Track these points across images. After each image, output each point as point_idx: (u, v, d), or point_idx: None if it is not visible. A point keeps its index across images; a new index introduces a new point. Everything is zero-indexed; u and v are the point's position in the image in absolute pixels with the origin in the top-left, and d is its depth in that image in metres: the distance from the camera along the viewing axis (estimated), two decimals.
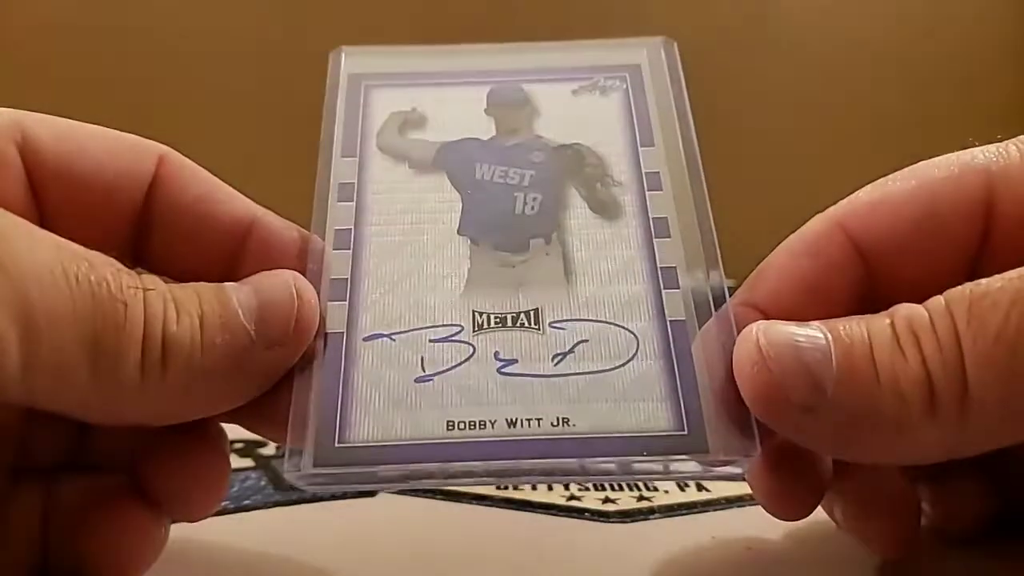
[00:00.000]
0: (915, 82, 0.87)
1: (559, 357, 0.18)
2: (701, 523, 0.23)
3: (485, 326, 0.19)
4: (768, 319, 0.17)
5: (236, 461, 0.27)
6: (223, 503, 0.21)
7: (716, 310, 0.19)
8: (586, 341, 0.18)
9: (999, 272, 0.16)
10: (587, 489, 0.24)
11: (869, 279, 0.18)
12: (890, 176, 0.19)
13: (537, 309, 0.19)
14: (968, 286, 0.16)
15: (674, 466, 0.17)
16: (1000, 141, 0.19)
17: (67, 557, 0.18)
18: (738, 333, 0.17)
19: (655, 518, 0.23)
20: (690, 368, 0.18)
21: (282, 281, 0.18)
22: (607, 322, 0.19)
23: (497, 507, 0.24)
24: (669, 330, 0.18)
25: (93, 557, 0.18)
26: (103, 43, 0.89)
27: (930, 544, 0.21)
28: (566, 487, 0.24)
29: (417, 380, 0.18)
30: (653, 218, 0.20)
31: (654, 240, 0.20)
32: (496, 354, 0.18)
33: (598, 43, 0.24)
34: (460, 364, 0.18)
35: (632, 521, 0.23)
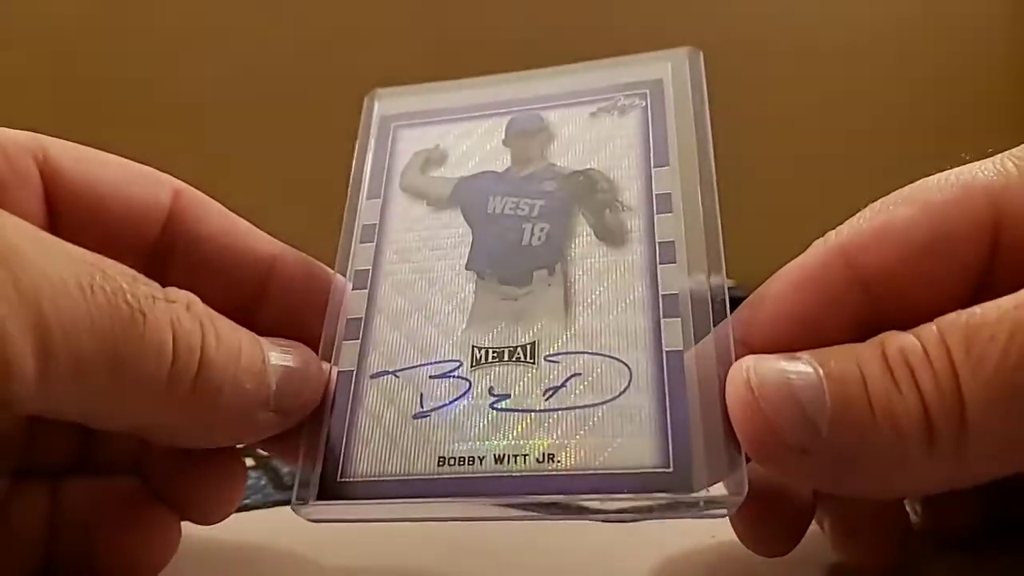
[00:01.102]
0: (928, 90, 0.81)
1: (551, 392, 0.18)
2: (701, 522, 0.22)
3: (483, 361, 0.19)
4: (755, 350, 0.17)
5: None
6: None
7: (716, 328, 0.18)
8: (579, 375, 0.18)
9: (1003, 294, 0.15)
10: None
11: (869, 307, 0.17)
12: (890, 199, 0.18)
13: (534, 343, 0.19)
14: (962, 315, 0.15)
15: (657, 507, 0.17)
16: (992, 155, 0.17)
17: (74, 559, 0.18)
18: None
19: (654, 516, 0.22)
20: (682, 402, 0.17)
21: (306, 358, 0.19)
22: (601, 354, 0.19)
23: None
24: (664, 361, 0.18)
25: (107, 558, 0.18)
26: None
27: (924, 549, 0.20)
28: None
29: (415, 416, 0.19)
30: (659, 243, 0.20)
31: (658, 266, 0.19)
32: (491, 389, 0.19)
33: (621, 60, 0.23)
34: (455, 400, 0.19)
35: (631, 520, 0.22)
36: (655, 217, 0.20)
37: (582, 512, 0.17)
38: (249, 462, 0.27)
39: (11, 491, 0.19)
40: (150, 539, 0.19)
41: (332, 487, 0.18)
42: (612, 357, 0.18)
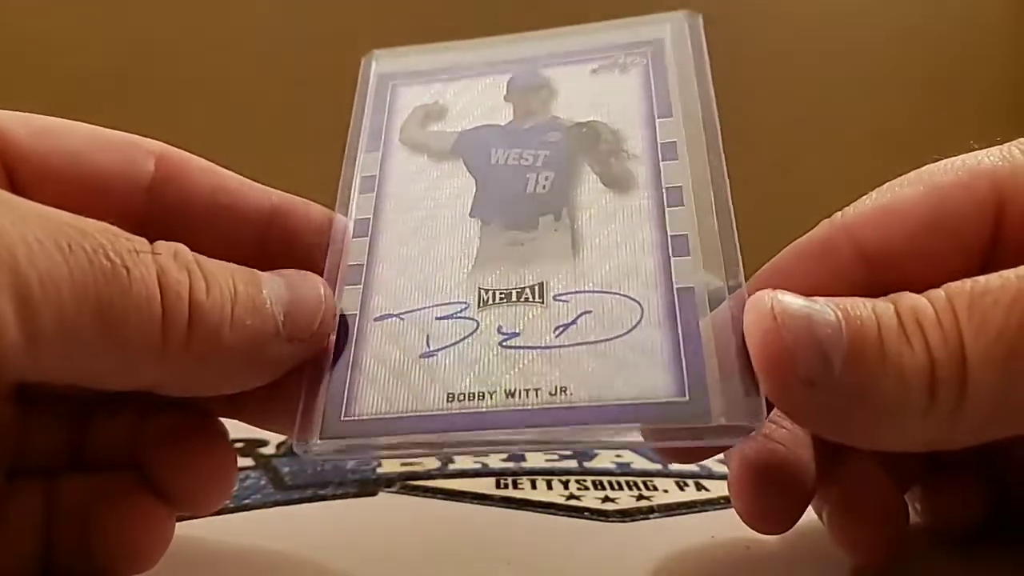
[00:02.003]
0: (924, 78, 0.84)
1: (560, 329, 0.18)
2: (701, 522, 0.23)
3: (490, 302, 0.19)
4: None
5: (236, 460, 0.28)
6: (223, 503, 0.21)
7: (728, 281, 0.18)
8: (589, 312, 0.18)
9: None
10: (587, 488, 0.24)
11: (872, 283, 0.18)
12: (897, 181, 0.19)
13: (542, 283, 0.19)
14: (968, 282, 0.16)
15: (674, 433, 0.16)
16: (1000, 143, 0.18)
17: (71, 555, 0.18)
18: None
19: (655, 517, 0.23)
20: (695, 335, 0.17)
21: (313, 283, 0.19)
22: (611, 292, 0.18)
23: (496, 506, 0.24)
24: (676, 297, 0.18)
25: (103, 552, 0.18)
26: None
27: (925, 545, 0.21)
28: (565, 486, 0.24)
29: (422, 356, 0.18)
30: (666, 187, 0.20)
31: (666, 209, 0.19)
32: (499, 328, 0.18)
33: (620, 22, 0.24)
34: (464, 339, 0.18)
35: (631, 520, 0.23)
36: (661, 164, 0.20)
37: (596, 442, 0.17)
38: (249, 462, 0.27)
39: (6, 490, 0.18)
40: (144, 531, 0.18)
41: (336, 426, 0.18)
42: (623, 295, 0.18)
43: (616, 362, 0.17)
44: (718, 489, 0.25)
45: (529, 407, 0.17)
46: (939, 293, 0.16)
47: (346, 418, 0.18)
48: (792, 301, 0.16)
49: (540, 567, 0.20)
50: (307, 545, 0.21)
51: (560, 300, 0.19)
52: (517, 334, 0.18)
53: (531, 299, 0.19)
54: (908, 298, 0.16)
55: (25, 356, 0.14)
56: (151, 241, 0.16)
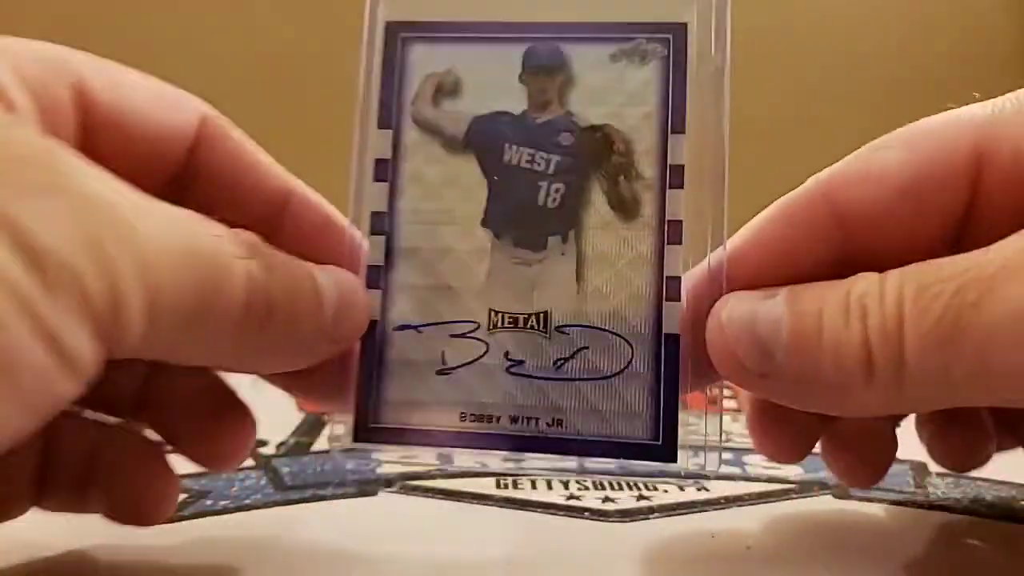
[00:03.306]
0: (912, 83, 0.74)
1: (560, 362, 0.21)
2: (701, 522, 0.23)
3: (499, 325, 0.21)
4: (739, 280, 0.20)
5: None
6: (223, 503, 0.24)
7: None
8: (587, 348, 0.21)
9: (985, 237, 0.17)
10: (587, 488, 0.25)
11: (847, 246, 0.19)
12: (879, 141, 0.19)
13: (547, 312, 0.21)
14: (922, 268, 0.17)
15: (645, 472, 0.20)
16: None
17: (64, 494, 0.20)
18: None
19: (655, 517, 0.23)
20: (675, 383, 0.20)
21: (355, 286, 0.20)
22: (607, 331, 0.21)
23: (497, 506, 0.24)
24: (663, 344, 0.21)
25: (104, 501, 0.20)
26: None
27: (931, 539, 0.22)
28: (566, 486, 0.25)
29: (438, 372, 0.21)
30: (668, 220, 0.21)
31: (665, 246, 0.21)
32: (507, 353, 0.21)
33: None
34: (475, 360, 0.21)
35: (632, 520, 0.23)
36: (667, 192, 0.21)
37: (582, 469, 0.21)
38: (249, 462, 0.27)
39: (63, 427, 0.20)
40: (169, 492, 0.20)
41: (365, 431, 0.21)
42: (617, 334, 0.21)
43: (605, 401, 0.20)
44: (718, 489, 0.25)
45: (528, 434, 0.21)
46: (895, 276, 0.17)
47: (373, 425, 0.21)
48: (737, 305, 0.19)
49: (540, 567, 0.20)
50: (307, 545, 0.21)
51: (561, 332, 0.21)
52: (522, 362, 0.21)
53: (536, 327, 0.21)
54: (862, 283, 0.18)
55: (142, 339, 0.15)
56: (178, 201, 0.17)
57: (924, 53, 0.78)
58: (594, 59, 0.22)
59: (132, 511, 0.20)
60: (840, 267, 0.19)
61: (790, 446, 0.23)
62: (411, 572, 0.20)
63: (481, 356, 0.21)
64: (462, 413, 0.21)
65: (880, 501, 0.25)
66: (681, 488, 0.25)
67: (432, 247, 0.22)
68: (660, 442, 0.20)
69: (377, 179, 0.22)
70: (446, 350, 0.21)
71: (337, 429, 0.21)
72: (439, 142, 0.22)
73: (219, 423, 0.21)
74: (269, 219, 0.21)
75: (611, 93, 0.22)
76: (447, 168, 0.22)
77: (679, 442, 0.20)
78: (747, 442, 0.28)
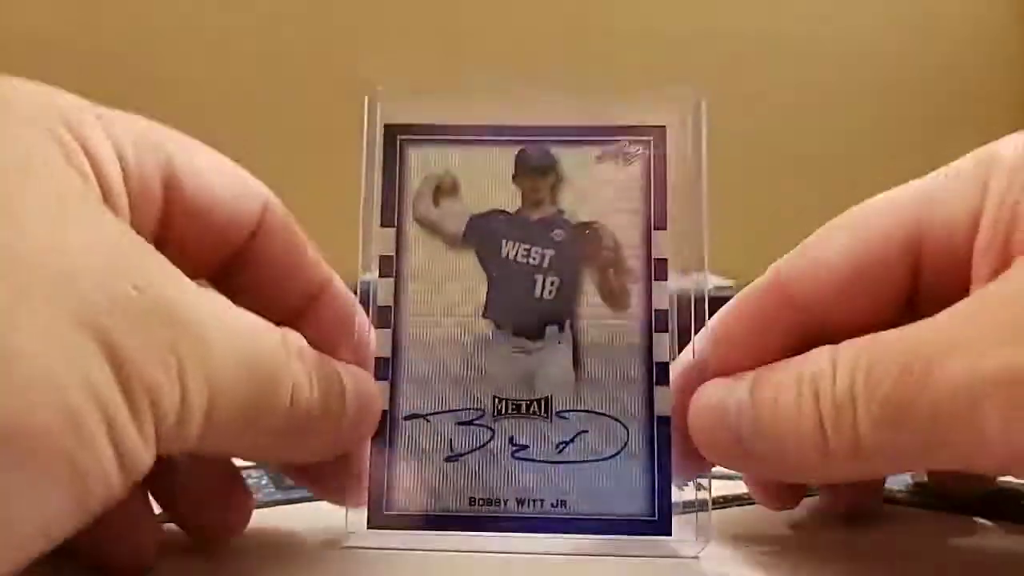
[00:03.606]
0: (912, 83, 0.79)
1: (562, 445, 0.22)
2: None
3: (503, 412, 0.23)
4: (713, 367, 0.22)
5: (237, 460, 0.26)
6: None
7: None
8: (586, 432, 0.22)
9: (936, 303, 0.18)
10: None
11: (808, 325, 0.21)
12: (827, 227, 0.21)
13: (547, 398, 0.23)
14: (870, 345, 0.18)
15: (642, 547, 0.22)
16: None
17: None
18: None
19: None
20: (668, 461, 0.22)
21: (368, 383, 0.22)
22: (604, 415, 0.23)
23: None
24: (655, 425, 0.22)
25: (89, 551, 0.20)
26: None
27: (931, 539, 0.22)
28: None
29: (447, 460, 0.22)
30: (655, 310, 0.23)
31: (653, 335, 0.23)
32: (511, 439, 0.22)
33: (628, 96, 0.24)
34: (482, 447, 0.22)
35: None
36: (652, 283, 0.23)
37: (585, 547, 0.22)
38: (250, 461, 0.27)
39: None
40: (144, 543, 0.20)
41: (379, 517, 0.22)
42: (613, 418, 0.22)
43: (604, 481, 0.22)
44: (717, 489, 0.24)
45: (534, 515, 0.22)
46: (844, 355, 0.18)
47: (388, 512, 0.22)
48: (711, 394, 0.21)
49: (541, 567, 0.21)
50: (308, 544, 0.22)
51: (562, 417, 0.23)
52: (526, 447, 0.22)
53: (538, 413, 0.23)
54: (813, 363, 0.19)
55: (198, 439, 0.16)
56: (227, 284, 0.19)
57: (924, 53, 0.81)
58: (582, 160, 0.24)
59: (214, 528, 0.21)
60: (807, 341, 0.20)
61: (786, 496, 0.24)
62: (411, 571, 0.20)
63: (487, 442, 0.23)
64: (471, 498, 0.22)
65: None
66: (680, 488, 0.25)
67: (436, 338, 0.23)
68: (656, 517, 0.22)
69: (382, 275, 0.23)
70: (453, 438, 0.23)
71: (352, 517, 0.22)
72: (440, 239, 0.24)
73: (221, 499, 0.22)
74: (303, 307, 0.23)
75: (599, 192, 0.24)
76: (448, 263, 0.24)
77: (672, 517, 0.22)
78: None
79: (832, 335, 0.20)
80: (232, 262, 0.22)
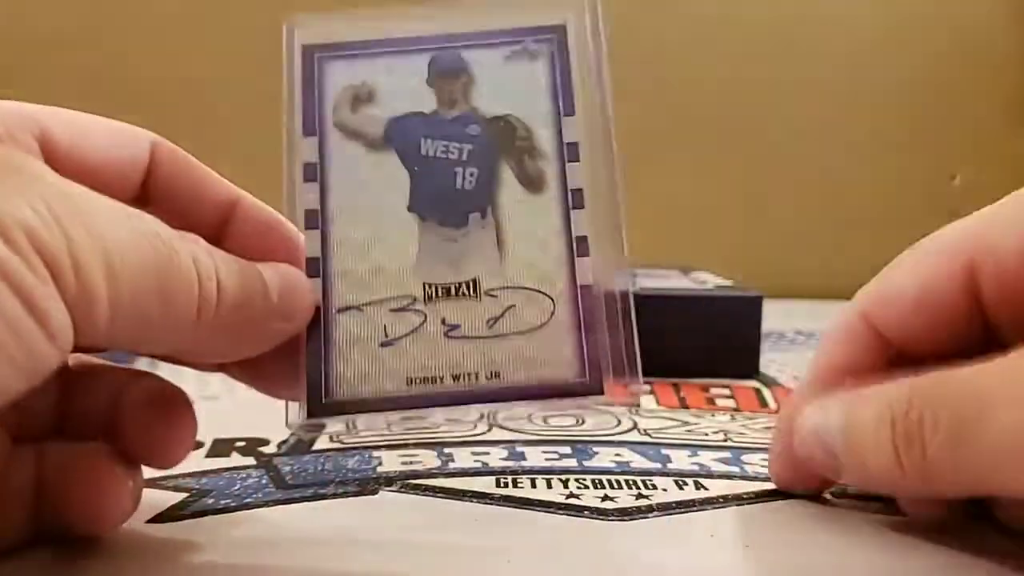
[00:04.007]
0: (908, 82, 0.81)
1: (492, 321, 0.23)
2: (700, 521, 0.23)
3: (434, 296, 0.23)
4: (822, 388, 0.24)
5: (238, 460, 0.28)
6: (225, 501, 0.24)
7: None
8: (514, 306, 0.23)
9: (1005, 334, 0.21)
10: (586, 487, 0.26)
11: (891, 349, 0.24)
12: (896, 261, 0.24)
13: (475, 279, 0.24)
14: (933, 382, 0.20)
15: (576, 407, 0.23)
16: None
17: (52, 516, 0.21)
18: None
19: (654, 516, 0.23)
20: (595, 326, 0.23)
21: (297, 274, 0.22)
22: (531, 289, 0.23)
23: (495, 505, 0.24)
24: (579, 294, 0.23)
25: (69, 514, 0.20)
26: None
27: (931, 539, 0.22)
28: (565, 485, 0.26)
29: (382, 345, 0.23)
30: (571, 190, 0.24)
31: (571, 211, 0.24)
32: (443, 320, 0.23)
33: (529, 1, 0.26)
34: (415, 330, 0.23)
35: (630, 519, 0.23)
36: (566, 165, 0.24)
37: (523, 412, 0.23)
38: (250, 461, 0.28)
39: (9, 451, 0.21)
40: (104, 498, 0.21)
41: (318, 407, 0.23)
42: (538, 291, 0.23)
43: (535, 350, 0.23)
44: (717, 488, 0.26)
45: (472, 389, 0.23)
46: (916, 390, 0.20)
47: (327, 400, 0.23)
48: (811, 417, 0.23)
49: (540, 566, 0.20)
50: (308, 544, 0.22)
51: (490, 295, 0.23)
52: (458, 326, 0.23)
53: (467, 294, 0.23)
54: (893, 391, 0.21)
55: (106, 326, 0.16)
56: None
57: (924, 54, 0.82)
58: (491, 61, 0.25)
59: (151, 453, 0.22)
60: (893, 363, 0.23)
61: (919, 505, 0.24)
62: (412, 571, 0.20)
63: (420, 325, 0.23)
64: (408, 378, 0.23)
65: (879, 500, 0.25)
66: (680, 487, 0.26)
67: (364, 235, 0.24)
68: (587, 379, 0.23)
69: (307, 180, 0.24)
70: (387, 324, 0.23)
71: (292, 409, 0.23)
72: (361, 143, 0.25)
73: (162, 421, 0.22)
74: (219, 227, 0.23)
75: (509, 88, 0.25)
76: (370, 165, 0.25)
77: (602, 377, 0.23)
78: (746, 441, 0.31)
79: (916, 356, 0.22)
80: (136, 203, 0.22)
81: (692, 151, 0.77)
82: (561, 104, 0.25)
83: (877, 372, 0.23)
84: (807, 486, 0.25)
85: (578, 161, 0.24)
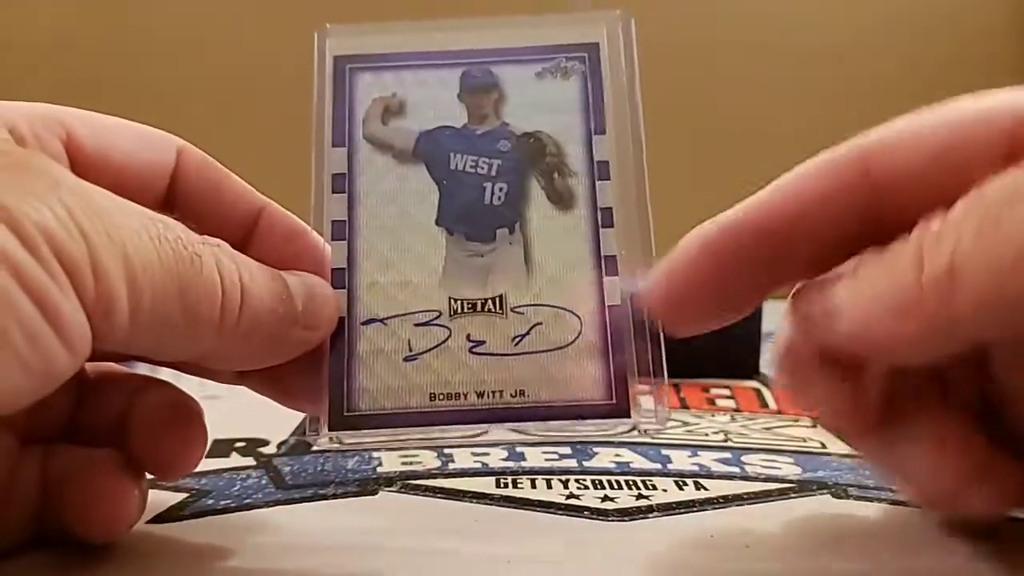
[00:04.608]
0: (906, 81, 0.81)
1: (518, 339, 0.23)
2: (700, 521, 0.23)
3: (459, 311, 0.23)
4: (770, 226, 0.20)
5: (238, 460, 0.28)
6: (225, 502, 0.24)
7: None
8: (540, 324, 0.23)
9: None
10: (586, 488, 0.25)
11: (874, 208, 0.19)
12: (918, 112, 0.20)
13: (502, 295, 0.23)
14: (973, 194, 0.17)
15: (601, 429, 0.22)
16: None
17: (56, 520, 0.20)
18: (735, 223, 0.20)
19: (654, 516, 0.23)
20: (622, 347, 0.23)
21: (322, 283, 0.22)
22: (557, 307, 0.23)
23: (496, 505, 0.24)
24: (607, 314, 0.23)
25: (74, 520, 0.20)
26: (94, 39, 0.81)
27: (931, 539, 0.21)
28: (565, 485, 0.25)
29: (406, 359, 0.23)
30: (601, 208, 0.24)
31: (600, 230, 0.24)
32: (468, 336, 0.23)
33: (562, 18, 0.26)
34: (440, 345, 0.23)
35: (631, 519, 0.23)
36: (596, 183, 0.24)
37: (548, 431, 0.22)
38: (250, 461, 0.28)
39: (17, 453, 0.20)
40: (116, 506, 0.20)
41: (340, 420, 0.22)
42: (566, 310, 0.23)
43: (561, 369, 0.23)
44: (717, 488, 0.25)
45: (496, 406, 0.22)
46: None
47: (348, 414, 0.22)
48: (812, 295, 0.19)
49: (540, 566, 0.20)
50: (308, 544, 0.22)
51: (517, 312, 0.23)
52: (483, 342, 0.23)
53: (493, 310, 0.23)
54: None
55: (128, 330, 0.16)
56: None
57: (924, 55, 0.81)
58: (522, 77, 0.25)
59: (159, 464, 0.21)
60: (865, 226, 0.19)
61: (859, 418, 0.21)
62: (412, 571, 0.20)
63: (445, 340, 0.23)
64: (432, 393, 0.22)
65: (879, 500, 0.25)
66: (680, 487, 0.25)
67: (391, 248, 0.24)
68: (614, 400, 0.22)
69: (335, 191, 0.24)
70: (412, 338, 0.23)
71: (315, 421, 0.22)
72: (390, 155, 0.25)
73: (174, 432, 0.22)
74: (244, 234, 0.23)
75: (540, 105, 0.25)
76: (399, 177, 0.24)
77: (630, 400, 0.22)
78: (746, 441, 0.31)
79: (901, 225, 0.18)
80: (162, 209, 0.22)
81: (692, 151, 0.76)
82: (592, 122, 0.25)
83: (850, 227, 0.19)
84: (804, 378, 0.20)
85: (608, 179, 0.24)
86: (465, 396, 0.22)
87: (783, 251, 0.20)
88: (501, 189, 0.24)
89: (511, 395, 0.22)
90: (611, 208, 0.24)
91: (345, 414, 0.22)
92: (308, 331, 0.21)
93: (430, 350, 0.23)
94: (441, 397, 0.22)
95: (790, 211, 0.20)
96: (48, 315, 0.15)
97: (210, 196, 0.23)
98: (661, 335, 0.23)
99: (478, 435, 0.22)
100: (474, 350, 0.23)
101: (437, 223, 0.24)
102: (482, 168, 0.24)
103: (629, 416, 0.22)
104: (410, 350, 0.23)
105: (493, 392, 0.22)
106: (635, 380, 0.22)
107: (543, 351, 0.23)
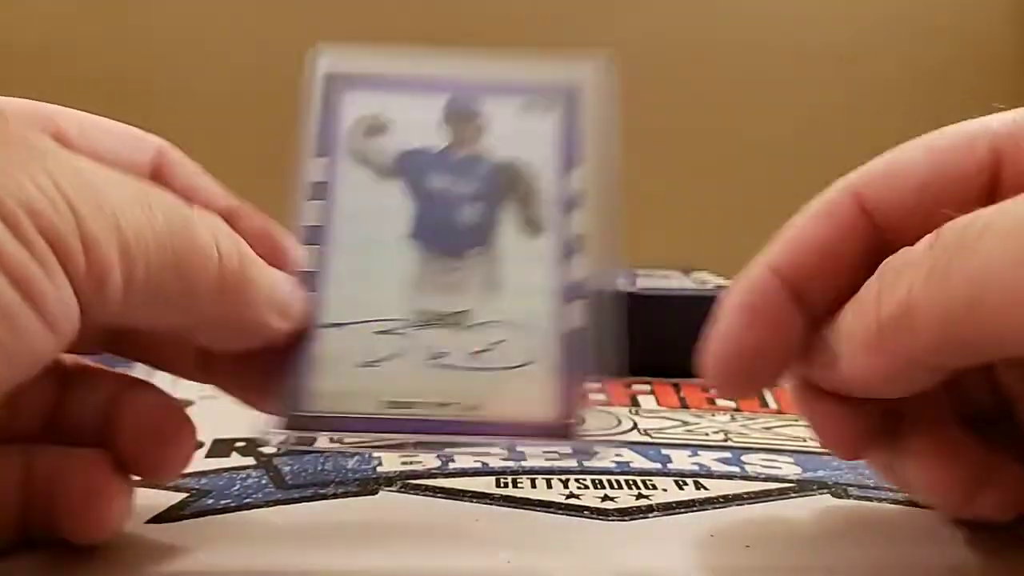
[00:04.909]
0: (926, 86, 0.84)
1: (479, 353, 0.23)
2: (700, 521, 0.23)
3: (422, 323, 0.24)
4: (781, 274, 0.21)
5: (237, 460, 0.28)
6: (225, 502, 0.24)
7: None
8: (502, 342, 0.23)
9: None
10: (586, 487, 0.25)
11: (879, 240, 0.20)
12: (901, 145, 0.21)
13: (467, 311, 0.24)
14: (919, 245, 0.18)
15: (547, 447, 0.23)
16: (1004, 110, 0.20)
17: (41, 520, 0.20)
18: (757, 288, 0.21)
19: (654, 516, 0.23)
20: (577, 371, 0.23)
21: (293, 279, 0.22)
22: (520, 326, 0.24)
23: (496, 505, 0.24)
24: (565, 338, 0.23)
25: (61, 520, 0.20)
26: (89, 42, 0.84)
27: (931, 539, 0.22)
28: (565, 485, 0.26)
29: (364, 365, 0.23)
30: (571, 235, 0.25)
31: (570, 256, 0.24)
32: (429, 347, 0.23)
33: (549, 57, 0.27)
34: (399, 354, 0.23)
35: (631, 519, 0.23)
36: (568, 212, 0.25)
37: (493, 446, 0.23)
38: (250, 461, 0.28)
39: None
40: (106, 506, 0.20)
41: (293, 419, 0.22)
42: (527, 330, 0.24)
43: (516, 389, 0.23)
44: (717, 488, 0.26)
45: (450, 418, 0.22)
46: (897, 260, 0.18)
47: (299, 413, 0.22)
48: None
49: (540, 566, 0.20)
50: (308, 544, 0.22)
51: (479, 328, 0.24)
52: (445, 353, 0.23)
53: (456, 324, 0.24)
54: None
55: (122, 301, 0.16)
56: None
57: (924, 55, 0.82)
58: (504, 109, 0.26)
59: (146, 469, 0.21)
60: (871, 257, 0.20)
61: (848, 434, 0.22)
62: (412, 571, 0.20)
63: (405, 350, 0.23)
64: (390, 401, 0.23)
65: (879, 500, 0.25)
66: (680, 487, 0.26)
67: (361, 257, 0.24)
68: (561, 423, 0.23)
69: (313, 197, 0.25)
70: (372, 345, 0.23)
71: (267, 419, 0.22)
72: (371, 170, 0.25)
73: (163, 436, 0.21)
74: None
75: (520, 136, 0.26)
76: (377, 192, 0.25)
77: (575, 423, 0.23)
78: (746, 441, 0.31)
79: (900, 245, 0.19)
80: None
81: (693, 151, 0.77)
82: (569, 155, 0.26)
83: (857, 259, 0.20)
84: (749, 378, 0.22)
85: (580, 208, 0.25)
86: (421, 405, 0.23)
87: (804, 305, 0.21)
88: (475, 212, 0.25)
89: (466, 408, 0.23)
90: (581, 236, 0.25)
91: (298, 413, 0.22)
92: (280, 319, 0.21)
93: (388, 359, 0.23)
94: (397, 404, 0.23)
95: (793, 260, 0.21)
96: (27, 296, 0.15)
97: (185, 193, 0.23)
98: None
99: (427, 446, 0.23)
100: (434, 361, 0.23)
101: (409, 237, 0.25)
102: (458, 190, 0.25)
103: (570, 439, 0.22)
104: (368, 356, 0.23)
105: (449, 404, 0.23)
106: (586, 404, 0.23)
107: (502, 368, 0.23)
